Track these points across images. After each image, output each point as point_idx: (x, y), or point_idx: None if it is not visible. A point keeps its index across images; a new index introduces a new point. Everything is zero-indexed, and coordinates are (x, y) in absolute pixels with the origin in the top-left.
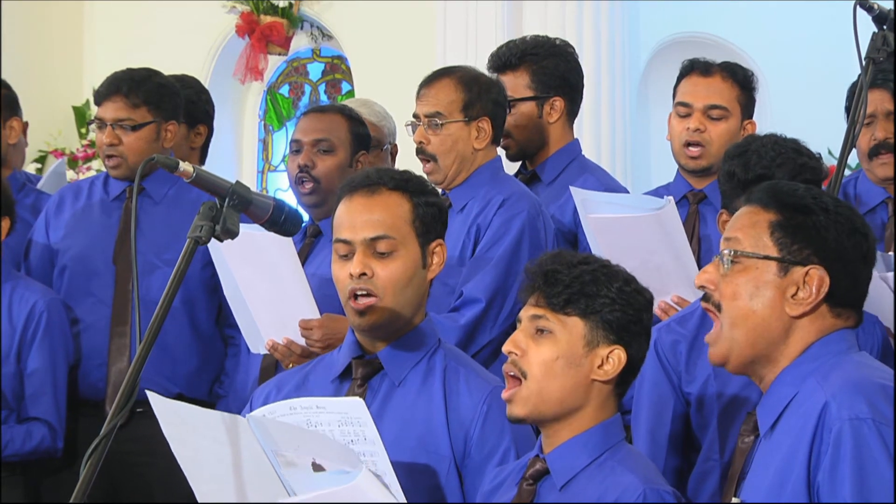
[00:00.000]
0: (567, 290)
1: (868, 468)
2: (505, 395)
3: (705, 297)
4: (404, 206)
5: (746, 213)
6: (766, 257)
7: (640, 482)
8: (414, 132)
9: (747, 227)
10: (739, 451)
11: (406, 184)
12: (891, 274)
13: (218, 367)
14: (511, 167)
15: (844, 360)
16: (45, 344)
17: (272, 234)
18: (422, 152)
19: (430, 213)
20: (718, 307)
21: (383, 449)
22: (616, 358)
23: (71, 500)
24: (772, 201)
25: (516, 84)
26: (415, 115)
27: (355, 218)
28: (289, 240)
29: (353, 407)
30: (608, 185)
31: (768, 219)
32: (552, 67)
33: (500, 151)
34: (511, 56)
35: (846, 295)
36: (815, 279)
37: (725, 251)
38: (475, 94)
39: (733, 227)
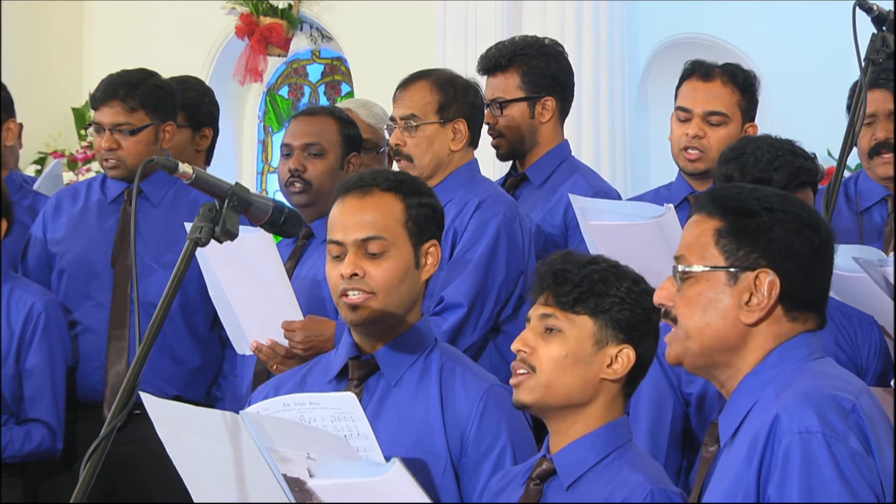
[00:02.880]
0: (576, 289)
1: (816, 484)
2: (513, 381)
3: (665, 313)
4: (397, 207)
5: (693, 223)
6: (713, 268)
7: (647, 482)
8: (390, 135)
9: (693, 240)
10: (703, 460)
11: (400, 185)
12: (890, 269)
13: (216, 369)
14: (501, 167)
15: (805, 368)
16: (44, 345)
17: (254, 234)
18: (398, 154)
19: (423, 213)
20: (675, 321)
21: (377, 444)
22: (625, 357)
23: (70, 502)
24: (715, 208)
25: (507, 85)
26: (391, 118)
27: (347, 219)
28: (271, 240)
29: (346, 402)
30: (598, 186)
31: (714, 227)
32: (543, 67)
33: (485, 152)
34: (500, 57)
35: (802, 295)
36: (764, 283)
37: (675, 268)
38: (450, 96)
39: (682, 242)
